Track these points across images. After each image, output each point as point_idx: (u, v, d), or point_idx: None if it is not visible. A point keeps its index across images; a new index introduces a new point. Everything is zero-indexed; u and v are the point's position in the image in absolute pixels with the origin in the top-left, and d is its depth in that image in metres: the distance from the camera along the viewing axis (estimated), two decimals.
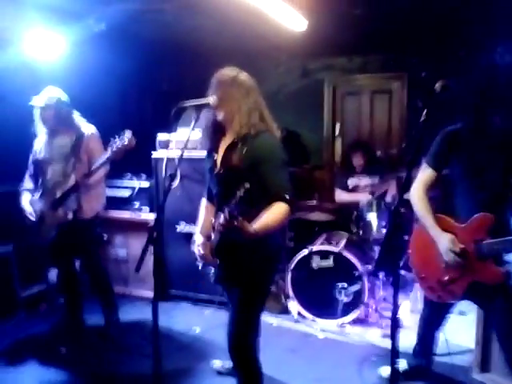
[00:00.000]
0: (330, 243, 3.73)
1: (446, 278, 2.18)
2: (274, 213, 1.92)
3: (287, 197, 1.94)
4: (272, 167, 1.99)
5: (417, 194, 2.26)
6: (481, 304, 2.30)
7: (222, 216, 1.74)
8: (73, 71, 3.87)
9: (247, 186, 1.74)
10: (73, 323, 3.48)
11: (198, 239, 2.19)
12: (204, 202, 2.36)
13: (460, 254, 2.08)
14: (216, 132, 2.19)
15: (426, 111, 1.59)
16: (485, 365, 2.61)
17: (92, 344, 3.32)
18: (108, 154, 2.96)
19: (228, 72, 2.11)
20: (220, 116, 2.09)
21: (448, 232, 2.16)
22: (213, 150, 2.20)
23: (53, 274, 3.94)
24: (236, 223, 1.73)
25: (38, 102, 3.13)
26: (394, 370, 1.70)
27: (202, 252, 2.14)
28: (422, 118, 1.60)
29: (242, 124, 2.02)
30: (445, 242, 2.13)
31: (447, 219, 2.20)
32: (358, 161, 4.37)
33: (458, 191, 2.21)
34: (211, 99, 2.04)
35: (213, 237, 2.08)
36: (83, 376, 2.94)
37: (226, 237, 1.97)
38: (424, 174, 2.26)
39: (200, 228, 2.28)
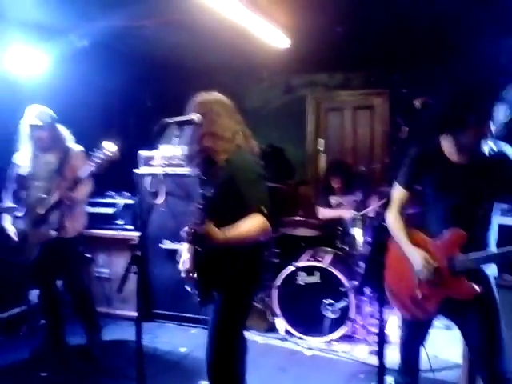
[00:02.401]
0: (315, 259, 3.72)
1: (419, 294, 2.18)
2: (249, 223, 1.91)
3: (264, 210, 1.92)
4: (247, 180, 1.98)
5: (390, 213, 2.27)
6: (454, 319, 2.30)
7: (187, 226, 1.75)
8: (55, 88, 3.83)
9: (209, 194, 1.78)
10: (54, 345, 3.38)
11: (185, 255, 2.17)
12: None
13: (433, 272, 2.09)
14: (200, 151, 2.17)
15: (406, 128, 1.60)
16: (472, 380, 2.60)
17: (74, 366, 3.22)
18: (91, 167, 2.93)
19: (211, 93, 2.13)
20: (204, 135, 2.07)
21: (421, 247, 2.17)
22: (199, 170, 2.19)
23: (33, 295, 3.84)
24: (200, 230, 1.71)
25: (32, 120, 3.09)
26: None
27: (186, 267, 2.10)
28: (403, 135, 1.61)
29: (227, 144, 2.03)
30: (418, 260, 2.13)
31: (421, 234, 2.21)
32: (336, 183, 4.32)
33: (431, 207, 2.23)
34: (194, 116, 2.03)
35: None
36: None
37: (201, 251, 1.95)
38: (396, 193, 2.28)
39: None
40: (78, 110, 4.09)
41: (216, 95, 2.13)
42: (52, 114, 3.18)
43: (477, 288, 2.02)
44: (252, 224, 1.91)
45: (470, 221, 2.07)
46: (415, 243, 2.18)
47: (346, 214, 4.01)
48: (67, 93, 4.00)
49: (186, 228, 1.75)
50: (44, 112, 3.14)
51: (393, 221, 2.25)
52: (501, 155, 2.01)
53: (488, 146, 2.00)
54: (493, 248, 2.11)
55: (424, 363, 2.70)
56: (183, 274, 2.13)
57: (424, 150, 2.20)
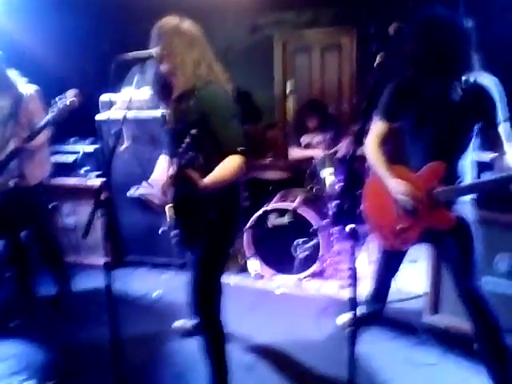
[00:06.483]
0: (285, 201, 3.74)
1: (399, 226, 2.23)
2: (225, 166, 1.88)
3: (239, 149, 1.89)
4: (221, 119, 1.93)
5: (370, 146, 2.27)
6: (432, 245, 2.38)
7: (172, 168, 1.69)
8: (8, 27, 3.57)
9: (194, 132, 1.69)
10: (24, 296, 3.34)
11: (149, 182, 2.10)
12: (163, 157, 2.29)
13: (413, 199, 2.12)
14: (164, 87, 2.07)
15: (381, 54, 1.55)
16: (435, 308, 2.74)
17: (45, 316, 3.21)
18: (49, 115, 2.79)
19: (169, 21, 1.98)
20: (165, 69, 1.97)
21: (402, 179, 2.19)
22: (163, 105, 2.11)
23: None
24: (185, 173, 1.68)
25: None
26: (354, 317, 1.71)
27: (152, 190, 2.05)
28: (377, 62, 1.56)
29: (187, 76, 1.93)
30: (397, 188, 2.15)
31: (401, 169, 2.23)
32: (312, 121, 4.29)
33: (410, 141, 2.23)
34: (154, 51, 1.92)
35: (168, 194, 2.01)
36: (38, 349, 2.84)
37: (181, 193, 1.90)
38: (376, 127, 2.27)
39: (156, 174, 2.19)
40: (33, 51, 3.86)
41: (177, 22, 1.99)
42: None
43: (455, 217, 2.07)
44: (228, 167, 1.89)
45: (449, 153, 2.09)
46: (395, 176, 2.19)
47: (317, 152, 4.02)
48: (21, 33, 3.76)
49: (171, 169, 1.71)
50: None
51: (371, 151, 2.26)
52: (477, 86, 1.99)
53: (466, 78, 1.97)
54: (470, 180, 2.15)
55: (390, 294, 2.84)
56: (149, 197, 2.07)
57: (402, 83, 2.17)
